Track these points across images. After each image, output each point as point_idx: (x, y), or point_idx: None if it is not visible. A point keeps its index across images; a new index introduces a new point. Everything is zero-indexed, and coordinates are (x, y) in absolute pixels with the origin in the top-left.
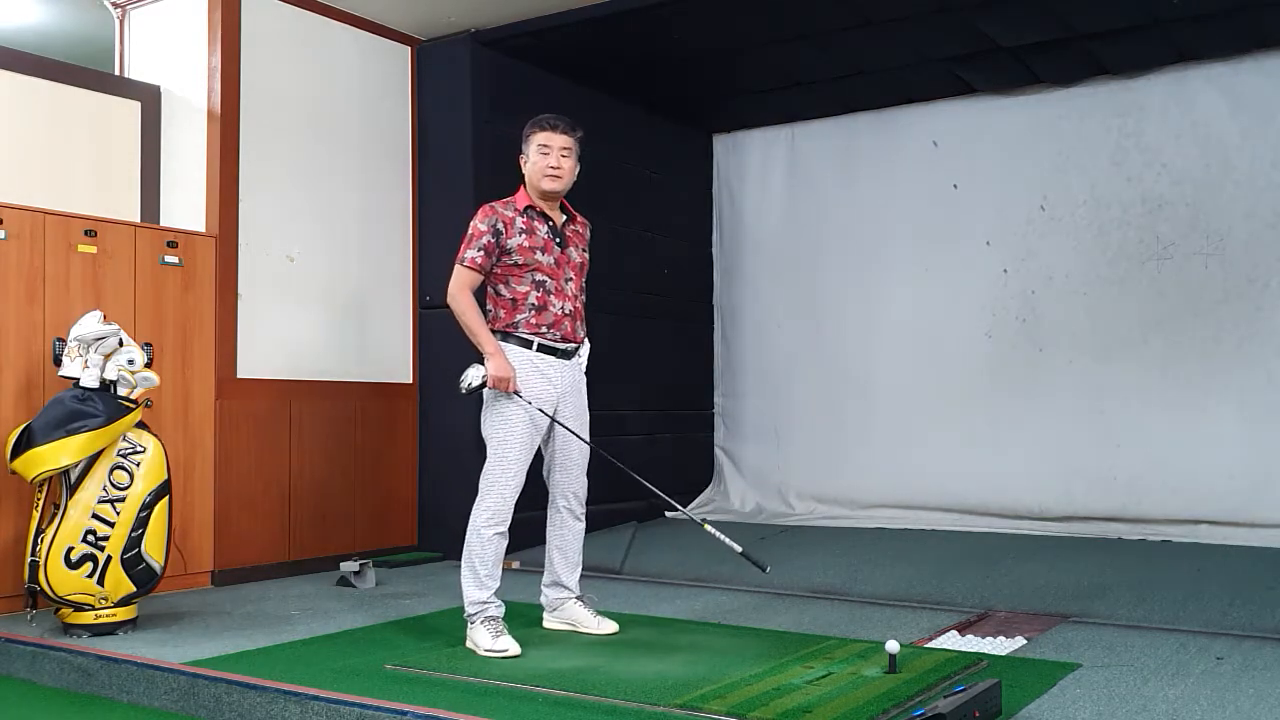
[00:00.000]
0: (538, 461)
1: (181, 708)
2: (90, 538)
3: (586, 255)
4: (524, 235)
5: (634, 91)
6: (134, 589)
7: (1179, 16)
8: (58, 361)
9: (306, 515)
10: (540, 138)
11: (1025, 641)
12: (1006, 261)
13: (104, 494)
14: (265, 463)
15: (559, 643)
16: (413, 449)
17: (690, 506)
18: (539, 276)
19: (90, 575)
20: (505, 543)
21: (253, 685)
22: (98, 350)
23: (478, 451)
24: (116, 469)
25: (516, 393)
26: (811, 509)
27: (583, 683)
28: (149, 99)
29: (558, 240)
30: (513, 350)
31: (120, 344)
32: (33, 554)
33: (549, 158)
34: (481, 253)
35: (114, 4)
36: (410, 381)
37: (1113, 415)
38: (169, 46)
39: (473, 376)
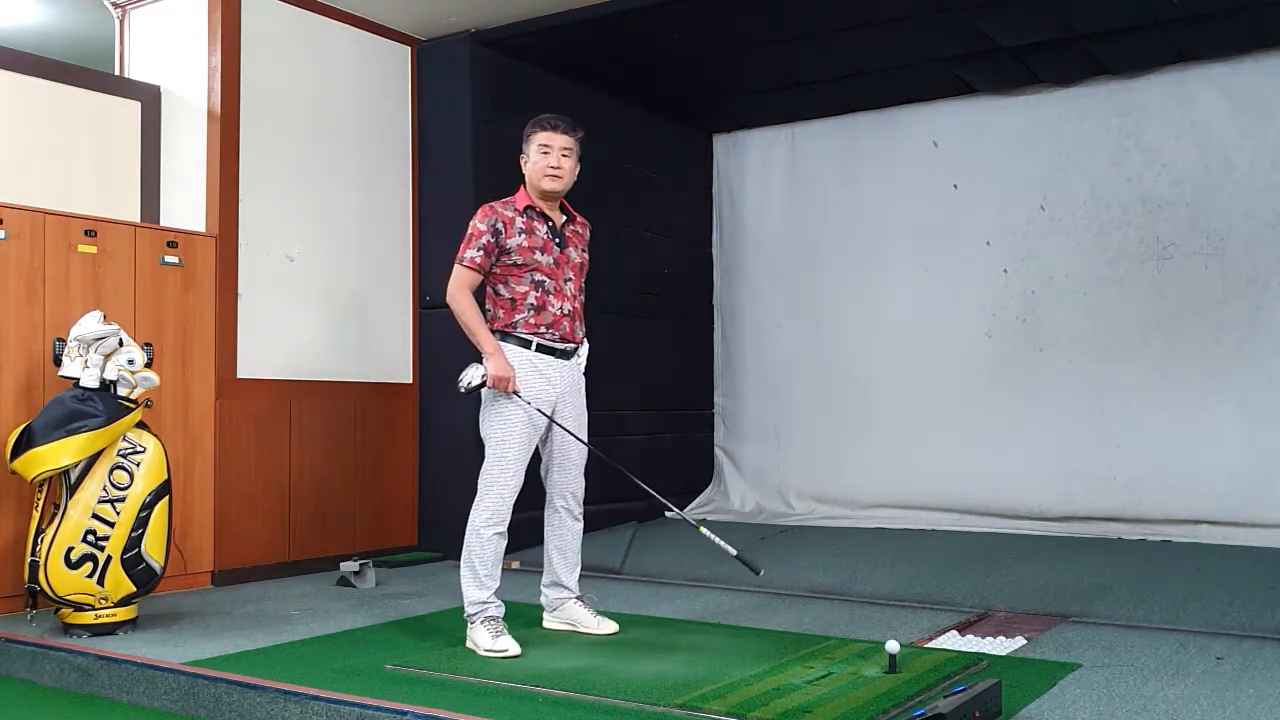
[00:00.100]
0: (536, 461)
1: (181, 708)
2: (90, 538)
3: (586, 255)
4: (523, 235)
5: (634, 91)
6: (134, 589)
7: (1179, 16)
8: (58, 361)
9: (306, 515)
10: (541, 138)
11: (1025, 641)
12: (1006, 261)
13: (104, 494)
14: (265, 463)
15: (559, 643)
16: (413, 449)
17: (690, 506)
18: (538, 276)
19: (90, 575)
20: (505, 543)
21: (253, 685)
22: (98, 350)
23: (477, 451)
24: (116, 469)
25: (515, 393)
26: (811, 509)
27: (583, 683)
28: (149, 99)
29: (557, 240)
30: (512, 350)
31: (120, 344)
32: (33, 554)
33: (549, 157)
34: (481, 252)
35: (114, 4)
36: (410, 381)
37: (1113, 415)
38: (169, 46)
39: (472, 376)
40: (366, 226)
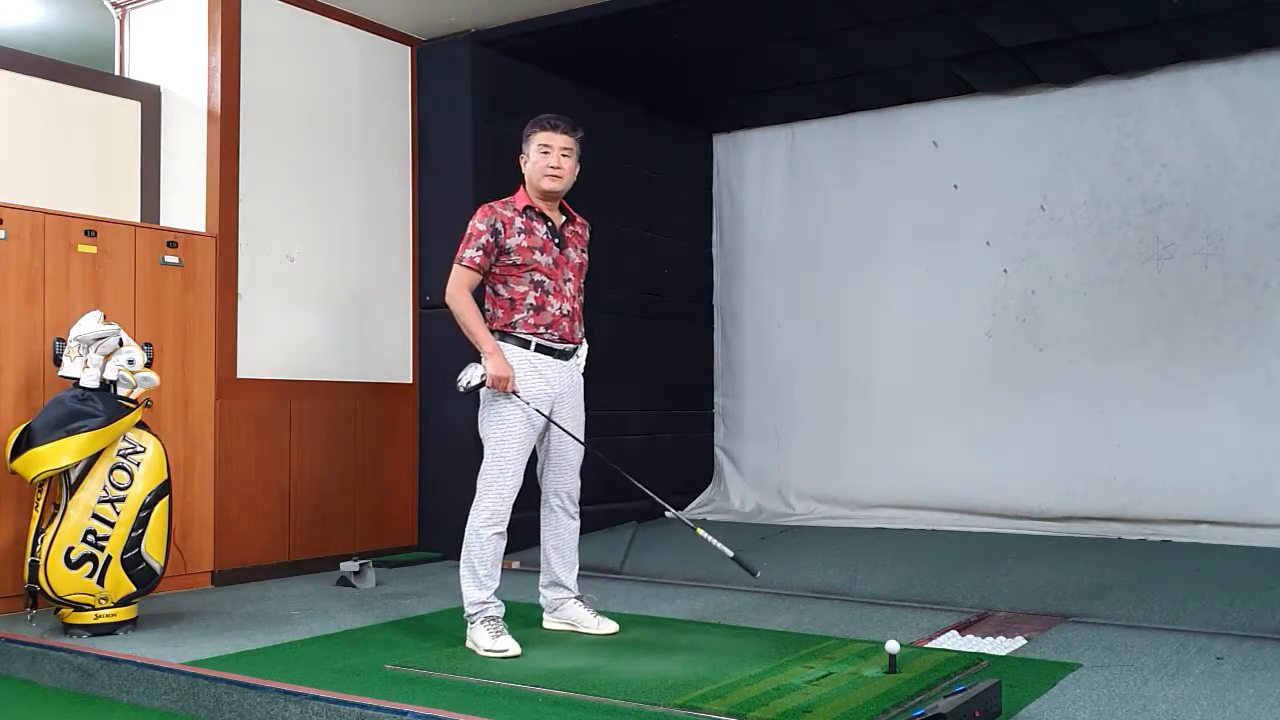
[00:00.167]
0: (534, 461)
1: (181, 708)
2: (90, 538)
3: (585, 256)
4: (523, 235)
5: (634, 91)
6: (134, 589)
7: (1179, 16)
8: (58, 361)
9: (306, 515)
10: (541, 137)
11: (1025, 641)
12: (1006, 261)
13: (104, 494)
14: (265, 463)
15: (559, 643)
16: (413, 449)
17: (690, 506)
18: (537, 277)
19: (90, 575)
20: (504, 543)
21: (253, 685)
22: (98, 350)
23: (477, 451)
24: (116, 469)
25: (514, 392)
26: (811, 509)
27: (583, 683)
28: (149, 99)
29: (556, 241)
30: (510, 350)
31: (120, 344)
32: (33, 554)
33: (549, 157)
34: (480, 252)
35: (114, 4)
36: (410, 381)
37: (1113, 415)
38: (169, 46)
39: (471, 375)
40: (366, 226)
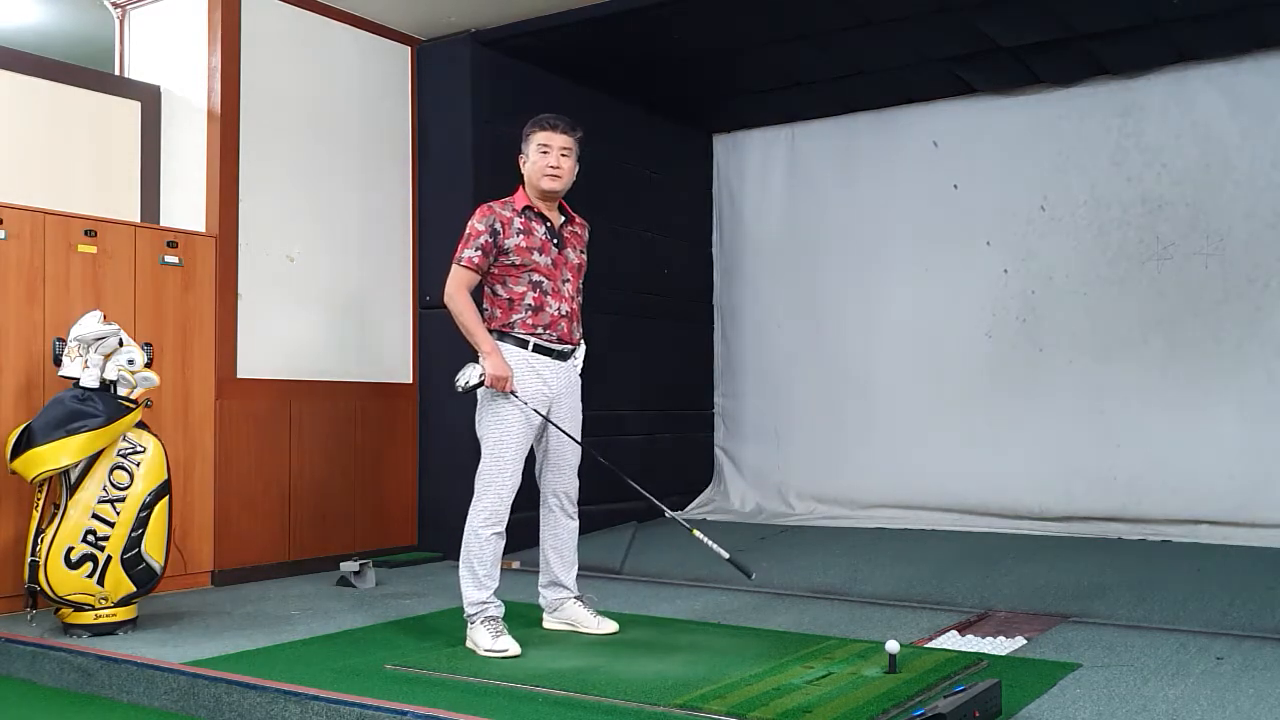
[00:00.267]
0: (533, 461)
1: (181, 708)
2: (90, 538)
3: (584, 257)
4: (521, 236)
5: (634, 91)
6: (134, 589)
7: (1179, 16)
8: (58, 361)
9: (306, 515)
10: (540, 137)
11: (1025, 641)
12: (1006, 261)
13: (104, 494)
14: (265, 463)
15: (559, 643)
16: (413, 449)
17: (690, 506)
18: (536, 277)
19: (90, 575)
20: (503, 542)
21: (253, 685)
22: (98, 350)
23: (477, 451)
24: (116, 469)
25: (513, 392)
26: (811, 509)
27: (583, 683)
28: (149, 99)
29: (555, 241)
30: (508, 349)
31: (120, 344)
32: (33, 554)
33: (549, 157)
34: (479, 252)
35: (114, 4)
36: (410, 381)
37: (1113, 415)
38: (169, 46)
39: (470, 375)
40: (366, 226)
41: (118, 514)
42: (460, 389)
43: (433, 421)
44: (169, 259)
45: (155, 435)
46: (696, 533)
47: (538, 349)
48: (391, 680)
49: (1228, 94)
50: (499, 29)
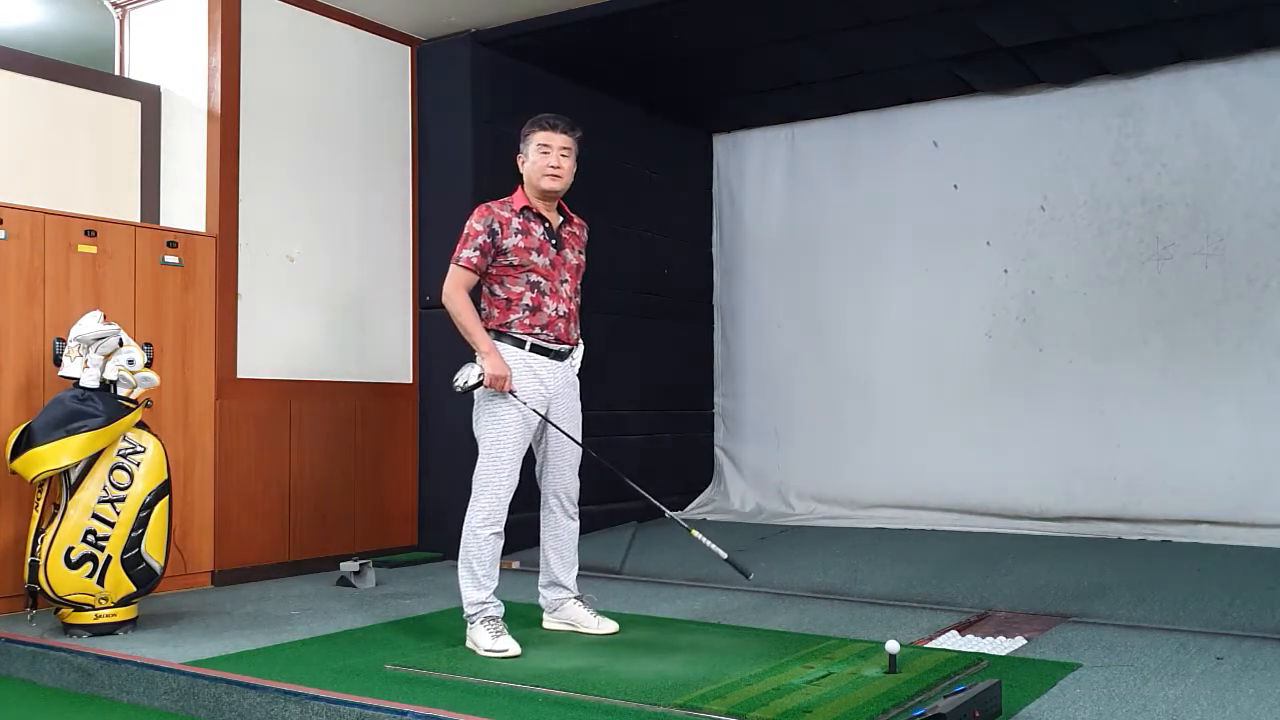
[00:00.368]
0: (532, 462)
1: (181, 708)
2: (90, 538)
3: (583, 257)
4: (520, 236)
5: (634, 91)
6: (134, 589)
7: (1179, 16)
8: (58, 361)
9: (306, 515)
10: (540, 137)
11: (1025, 641)
12: (1006, 261)
13: (104, 494)
14: (265, 463)
15: (559, 643)
16: (413, 449)
17: (690, 507)
18: (534, 278)
19: (90, 575)
20: (501, 542)
21: (253, 685)
22: (98, 350)
23: (476, 451)
24: (116, 469)
25: (512, 392)
26: (811, 509)
27: (583, 683)
28: (149, 99)
29: (553, 241)
30: (506, 349)
31: (120, 344)
32: (33, 554)
33: (549, 157)
34: (477, 253)
35: (114, 4)
36: (410, 381)
37: (1113, 415)
38: (169, 46)
39: (468, 375)
40: (366, 226)
41: (118, 514)
42: (459, 389)
43: (433, 421)
44: (169, 259)
45: (155, 435)
46: (695, 533)
47: (535, 349)
48: (391, 680)
49: (1228, 94)
50: (499, 29)
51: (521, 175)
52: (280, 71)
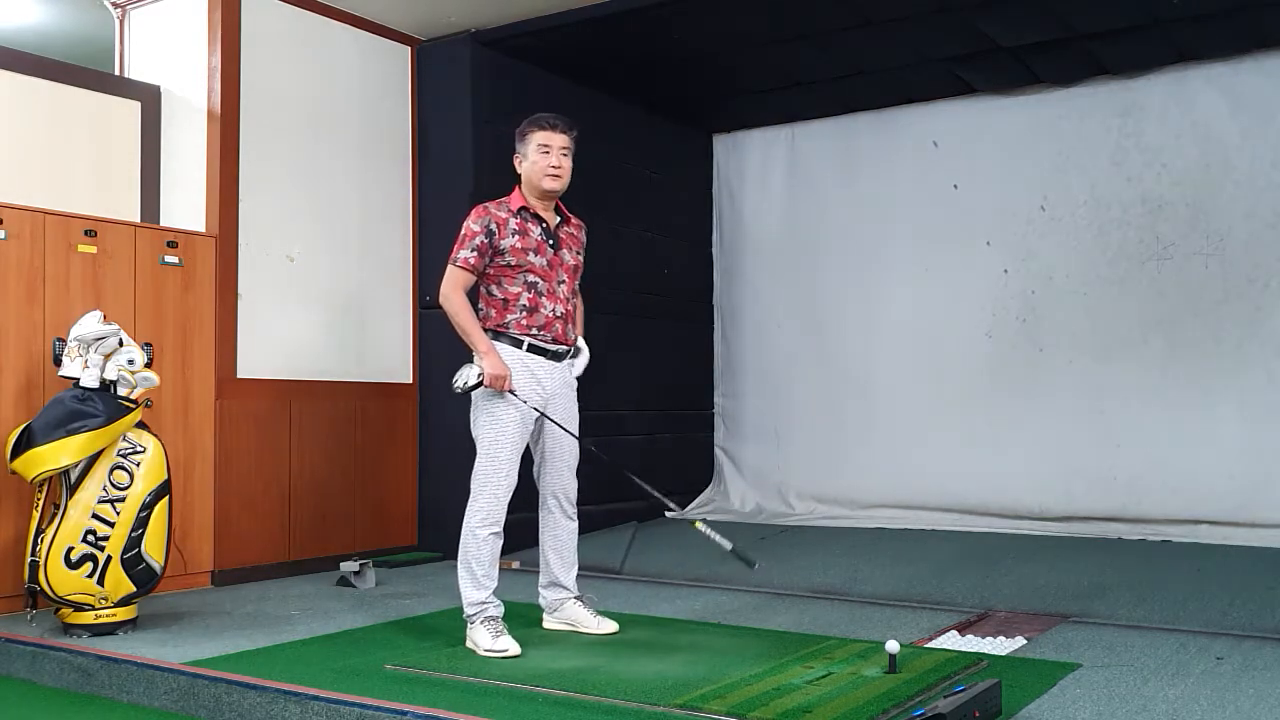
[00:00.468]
0: (530, 462)
1: (181, 708)
2: (90, 538)
3: (580, 258)
4: (517, 236)
5: (634, 91)
6: (134, 589)
7: (1179, 16)
8: (58, 361)
9: (306, 515)
10: (540, 137)
11: (1025, 641)
12: (1006, 261)
13: (104, 494)
14: (265, 463)
15: (559, 643)
16: (413, 449)
17: (690, 506)
18: (531, 278)
19: (90, 575)
20: (500, 542)
21: (253, 685)
22: (98, 350)
23: (475, 452)
24: (116, 469)
25: (512, 391)
26: (811, 509)
27: (583, 683)
28: (149, 99)
29: (551, 242)
30: (503, 349)
31: (120, 344)
32: (33, 554)
33: (549, 157)
34: (475, 253)
35: (114, 4)
36: (410, 381)
37: (1113, 415)
38: (169, 46)
39: (468, 376)
40: (366, 226)
41: (118, 514)
42: (459, 390)
43: (433, 421)
44: (169, 259)
45: (155, 435)
46: (699, 525)
47: (532, 349)
48: (391, 680)
49: (1228, 94)
50: (499, 29)
51: (519, 176)
52: (280, 71)
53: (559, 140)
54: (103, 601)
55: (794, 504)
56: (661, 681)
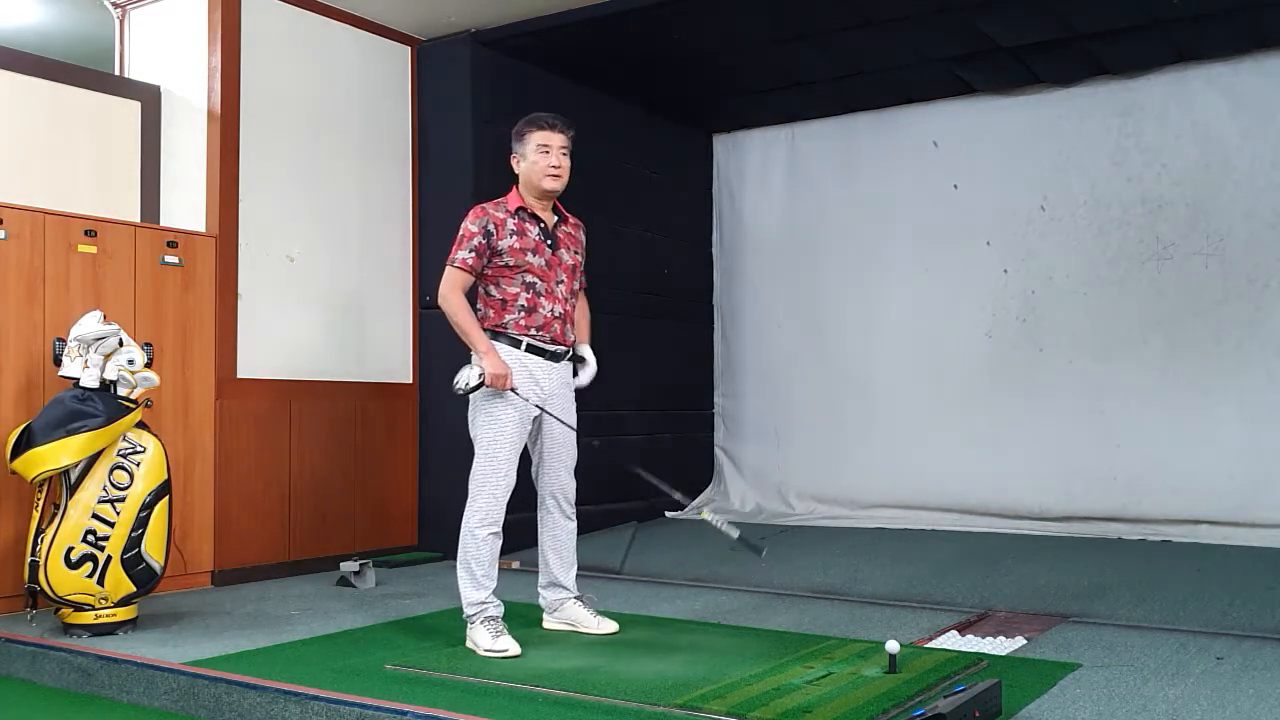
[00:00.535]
0: (529, 461)
1: (181, 708)
2: (90, 538)
3: (579, 257)
4: (515, 237)
5: (634, 91)
6: (134, 589)
7: (1179, 16)
8: (58, 361)
9: (306, 515)
10: (539, 137)
11: (1025, 641)
12: (1006, 261)
13: (104, 494)
14: (265, 463)
15: (559, 643)
16: (413, 449)
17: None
18: (529, 278)
19: (90, 575)
20: (500, 542)
21: (253, 685)
22: (98, 350)
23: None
24: (116, 469)
25: (513, 389)
26: (811, 509)
27: (583, 683)
28: (149, 99)
29: (549, 242)
30: (501, 349)
31: (120, 344)
32: (33, 554)
33: (550, 157)
34: (472, 254)
35: (114, 4)
36: (410, 381)
37: (1113, 415)
38: (169, 46)
39: (469, 376)
40: (366, 226)
41: (118, 514)
42: (460, 391)
43: (433, 421)
44: (169, 259)
45: (155, 435)
46: (706, 513)
47: (530, 349)
48: (391, 680)
49: (1228, 94)
50: (499, 29)
51: (517, 176)
52: (280, 71)
53: (558, 140)
54: (103, 601)
55: (794, 504)
56: (661, 681)
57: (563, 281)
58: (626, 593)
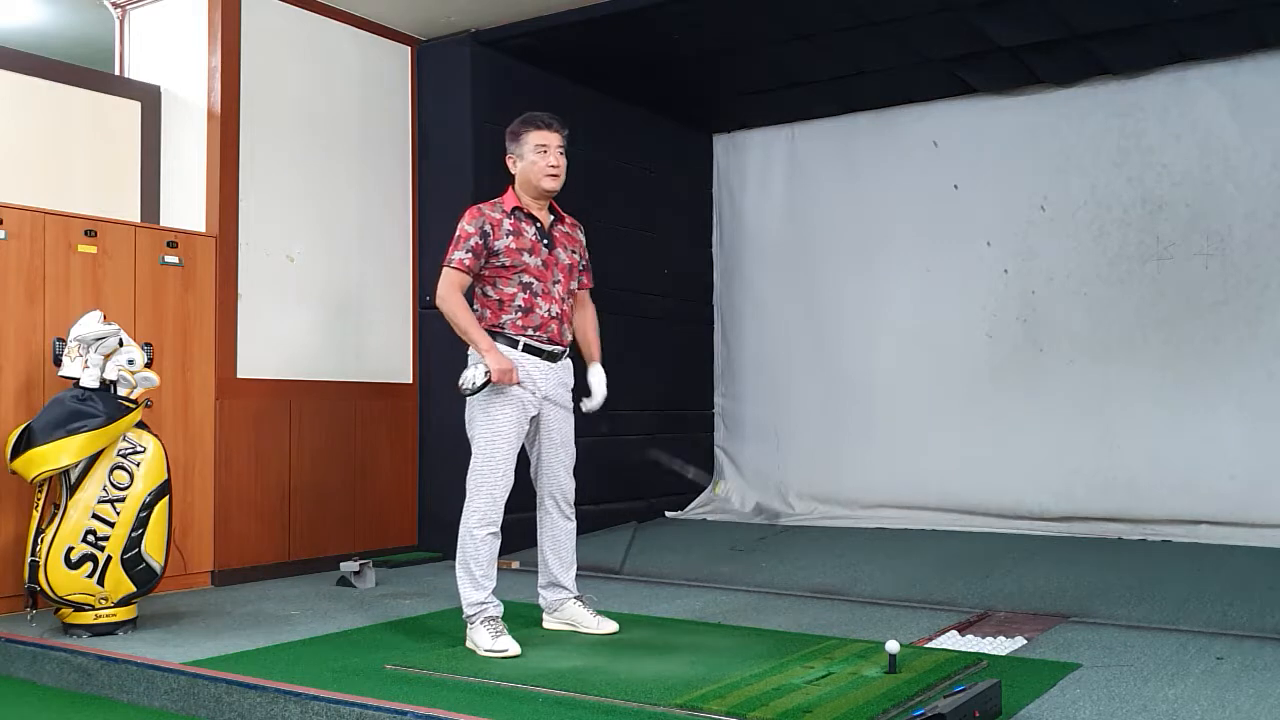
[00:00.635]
0: (527, 463)
1: (181, 708)
2: (90, 538)
3: (576, 256)
4: (511, 237)
5: (634, 91)
6: (134, 589)
7: (1179, 16)
8: (58, 361)
9: (306, 515)
10: (536, 137)
11: (1025, 641)
12: (1007, 261)
13: (104, 494)
14: (265, 463)
15: (559, 643)
16: (413, 449)
17: (690, 507)
18: (526, 279)
19: (90, 575)
20: (498, 542)
21: (253, 685)
22: (98, 350)
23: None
24: (116, 469)
25: (519, 383)
26: (811, 509)
27: (583, 683)
28: (149, 99)
29: (546, 242)
30: (500, 349)
31: (120, 344)
32: (33, 554)
33: (548, 156)
34: (469, 254)
35: (114, 4)
36: (410, 381)
37: (1113, 415)
38: (169, 46)
39: (475, 375)
40: (366, 226)
41: (118, 514)
42: (467, 391)
43: (433, 421)
44: (169, 259)
45: (155, 435)
46: (719, 489)
47: (528, 349)
48: (391, 680)
49: (1228, 94)
50: (499, 29)
51: (513, 176)
52: (280, 71)
53: (555, 139)
54: (103, 601)
55: (794, 504)
56: (661, 681)
57: (559, 281)
58: (626, 593)
